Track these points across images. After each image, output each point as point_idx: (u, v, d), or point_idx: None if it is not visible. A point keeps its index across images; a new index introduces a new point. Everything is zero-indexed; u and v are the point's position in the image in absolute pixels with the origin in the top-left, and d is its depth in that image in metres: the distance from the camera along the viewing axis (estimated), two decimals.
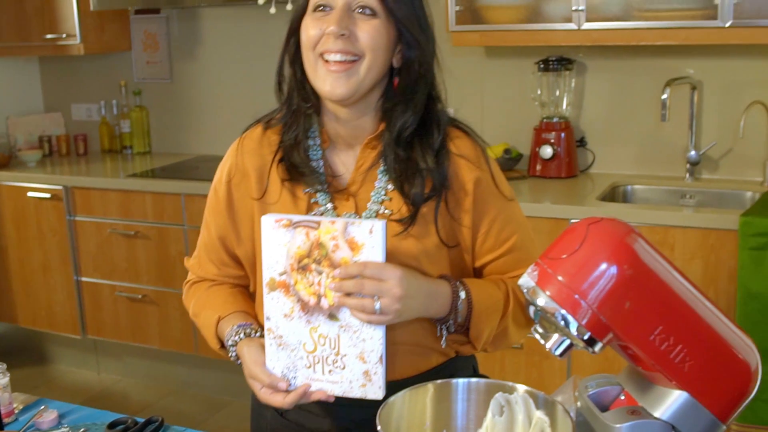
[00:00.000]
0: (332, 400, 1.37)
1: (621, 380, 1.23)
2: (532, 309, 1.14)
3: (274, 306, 1.38)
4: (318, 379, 1.38)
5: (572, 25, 3.11)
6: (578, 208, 2.99)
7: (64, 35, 4.10)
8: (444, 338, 1.46)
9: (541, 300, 1.10)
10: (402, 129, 1.44)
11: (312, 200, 1.49)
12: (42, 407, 1.75)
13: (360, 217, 1.45)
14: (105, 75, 4.52)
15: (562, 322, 1.09)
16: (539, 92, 3.47)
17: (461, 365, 1.58)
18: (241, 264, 1.59)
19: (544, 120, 3.45)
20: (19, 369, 4.31)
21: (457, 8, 3.27)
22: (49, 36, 4.14)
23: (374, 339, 1.34)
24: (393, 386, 1.44)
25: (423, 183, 1.44)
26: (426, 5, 1.48)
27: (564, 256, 1.10)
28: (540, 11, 3.17)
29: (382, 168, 1.47)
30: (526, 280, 1.13)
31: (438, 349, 1.50)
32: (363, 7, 1.39)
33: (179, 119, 4.40)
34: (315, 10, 1.42)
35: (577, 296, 1.07)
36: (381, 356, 1.35)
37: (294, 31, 1.47)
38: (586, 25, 3.08)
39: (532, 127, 3.50)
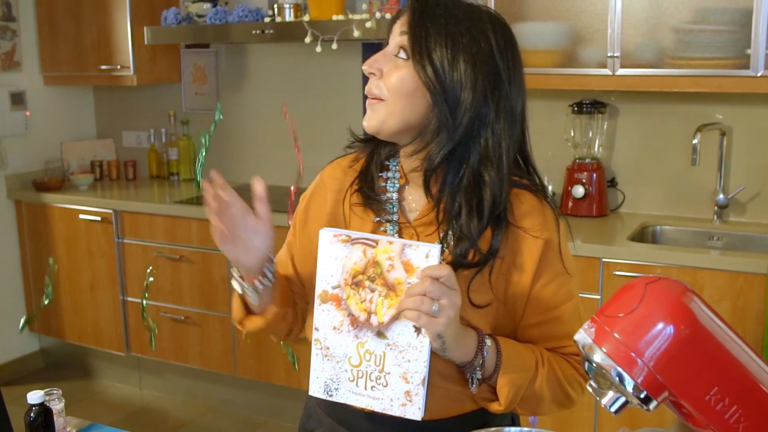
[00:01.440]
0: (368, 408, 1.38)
1: None
2: (587, 365, 1.15)
3: (324, 318, 1.39)
4: (359, 393, 1.39)
5: (607, 71, 3.21)
6: (609, 248, 3.08)
7: (118, 66, 4.29)
8: (474, 385, 1.43)
9: (598, 356, 1.11)
10: (441, 190, 1.44)
11: (381, 228, 1.51)
12: None
13: None
14: (155, 104, 4.70)
15: (618, 379, 1.10)
16: (572, 133, 3.59)
17: (498, 416, 1.55)
18: (304, 284, 1.60)
19: (577, 160, 3.57)
20: (63, 382, 4.46)
21: None
22: (104, 67, 4.32)
23: (419, 361, 1.34)
24: (426, 426, 1.47)
25: (467, 247, 1.42)
26: (490, 65, 1.40)
27: (621, 314, 1.10)
28: (576, 57, 3.29)
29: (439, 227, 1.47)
30: (583, 336, 1.14)
31: (472, 396, 1.49)
32: (402, 49, 1.42)
33: (224, 148, 4.56)
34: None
35: (633, 354, 1.08)
36: (424, 378, 1.35)
37: None
38: (621, 71, 3.19)
39: (565, 166, 3.61)
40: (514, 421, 1.66)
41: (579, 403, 1.56)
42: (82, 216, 4.24)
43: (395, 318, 1.35)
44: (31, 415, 1.65)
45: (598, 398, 1.17)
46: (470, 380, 1.43)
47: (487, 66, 1.40)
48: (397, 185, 1.52)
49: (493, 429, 1.35)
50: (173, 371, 4.32)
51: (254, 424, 4.04)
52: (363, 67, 1.44)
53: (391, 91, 1.41)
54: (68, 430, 1.84)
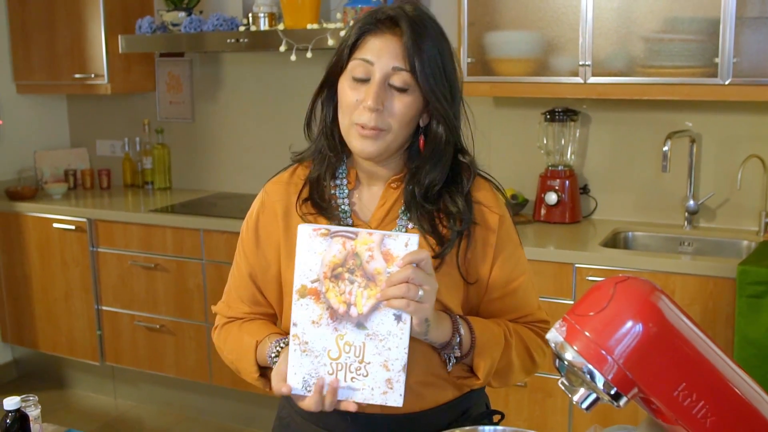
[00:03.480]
0: (353, 408, 1.41)
1: None
2: (558, 362, 1.18)
3: (302, 312, 1.40)
4: (339, 386, 1.41)
5: (578, 79, 3.26)
6: (581, 254, 3.11)
7: (92, 75, 4.27)
8: (451, 364, 1.51)
9: (569, 354, 1.14)
10: (430, 186, 1.53)
11: None
12: None
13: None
14: (129, 113, 4.69)
15: (589, 377, 1.13)
16: (545, 141, 3.63)
17: (475, 400, 1.66)
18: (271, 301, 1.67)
19: (550, 168, 3.61)
20: (38, 392, 4.34)
21: (469, 60, 3.43)
22: (78, 75, 4.31)
23: (399, 348, 1.38)
24: (411, 419, 1.54)
25: (453, 225, 1.53)
26: (455, 64, 1.54)
27: (591, 313, 1.14)
28: (548, 65, 3.33)
29: (403, 208, 1.56)
30: (555, 335, 1.17)
31: (452, 381, 1.57)
32: (400, 81, 1.47)
33: (199, 157, 4.56)
34: (354, 73, 1.49)
35: (603, 352, 1.11)
36: (404, 365, 1.38)
37: (330, 83, 1.55)
38: (592, 80, 3.24)
39: (537, 174, 3.65)
40: (488, 407, 1.72)
41: (542, 366, 1.65)
42: (55, 225, 4.22)
43: (374, 308, 1.38)
44: (8, 421, 1.65)
45: (569, 395, 1.19)
46: (447, 360, 1.51)
47: (453, 61, 1.53)
48: (346, 191, 1.59)
49: (468, 428, 1.37)
50: (148, 380, 4.30)
51: None
52: (368, 104, 1.46)
53: (398, 120, 1.48)
54: None
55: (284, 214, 1.61)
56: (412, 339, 1.40)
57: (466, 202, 1.55)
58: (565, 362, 1.16)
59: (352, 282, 1.37)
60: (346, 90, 1.51)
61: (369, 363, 1.39)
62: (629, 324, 1.11)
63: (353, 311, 1.38)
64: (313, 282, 1.39)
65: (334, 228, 1.38)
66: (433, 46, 1.48)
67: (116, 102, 4.71)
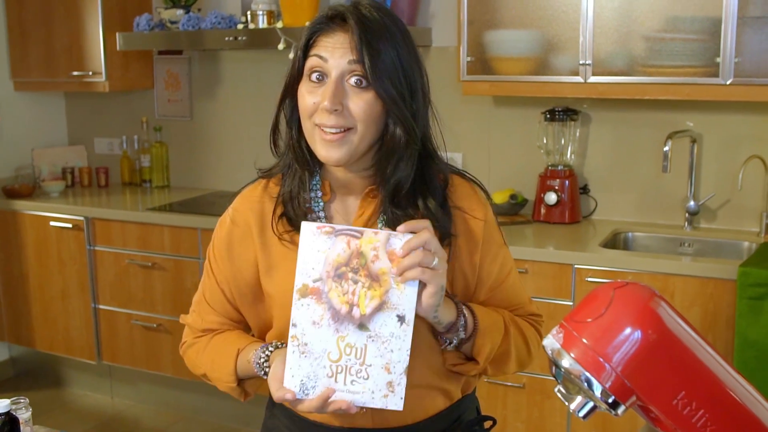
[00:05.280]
0: (353, 410, 1.37)
1: None
2: (555, 370, 1.16)
3: (303, 313, 1.36)
4: (338, 389, 1.37)
5: (579, 79, 3.24)
6: (581, 254, 3.09)
7: (90, 73, 4.26)
8: (452, 345, 1.47)
9: (566, 362, 1.12)
10: (396, 188, 1.48)
11: None
12: None
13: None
14: (127, 111, 4.67)
15: (586, 384, 1.10)
16: (545, 141, 3.61)
17: (467, 405, 1.64)
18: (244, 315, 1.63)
19: (549, 167, 3.59)
20: (34, 391, 4.43)
21: (469, 59, 3.41)
22: (75, 73, 4.30)
23: (402, 350, 1.36)
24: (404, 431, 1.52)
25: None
26: (418, 63, 1.48)
27: (589, 319, 1.11)
28: (548, 64, 3.31)
29: (383, 217, 1.51)
30: (551, 341, 1.15)
31: (443, 389, 1.55)
32: (357, 78, 1.42)
33: (197, 156, 4.54)
34: (310, 76, 1.45)
35: (601, 359, 1.09)
36: (406, 367, 1.36)
37: (289, 94, 1.50)
38: (593, 79, 3.22)
39: (537, 174, 3.63)
40: (479, 412, 1.70)
41: (536, 358, 1.63)
42: (53, 223, 4.20)
43: (377, 309, 1.35)
44: None
45: (566, 403, 1.17)
46: (449, 342, 1.47)
47: (417, 62, 1.48)
48: (321, 203, 1.54)
49: None
50: (145, 379, 4.28)
51: (227, 431, 4.03)
52: (325, 105, 1.41)
53: (361, 119, 1.42)
54: None
55: (260, 231, 1.56)
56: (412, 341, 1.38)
57: (443, 210, 1.50)
58: (562, 369, 1.13)
59: (355, 282, 1.35)
60: (303, 95, 1.46)
61: (370, 365, 1.36)
62: (628, 331, 1.09)
63: (356, 312, 1.35)
64: (315, 281, 1.35)
65: (338, 226, 1.36)
66: (389, 43, 1.42)
67: (114, 100, 4.69)
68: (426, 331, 1.48)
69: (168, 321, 3.99)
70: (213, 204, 4.12)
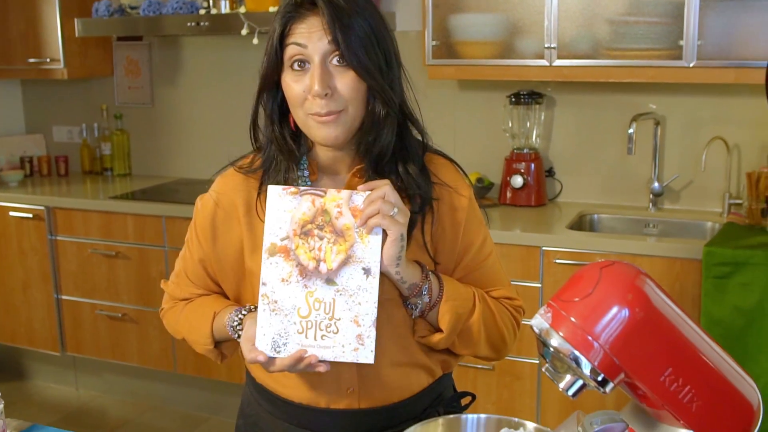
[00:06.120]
0: (323, 369, 1.39)
1: (626, 417, 1.23)
2: (543, 349, 1.17)
3: (272, 271, 1.40)
4: (309, 345, 1.39)
5: (544, 62, 3.26)
6: (548, 236, 3.12)
7: (48, 59, 4.18)
8: (417, 310, 1.48)
9: (555, 341, 1.13)
10: (379, 156, 1.49)
11: None
12: None
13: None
14: (87, 98, 4.60)
15: (575, 363, 1.12)
16: (510, 124, 3.63)
17: (445, 385, 1.66)
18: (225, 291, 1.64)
19: (515, 151, 3.61)
20: None
21: (434, 43, 3.41)
22: (32, 60, 4.22)
23: (369, 302, 1.39)
24: (389, 411, 1.54)
25: (414, 205, 1.50)
26: (388, 32, 1.49)
27: (577, 299, 1.13)
28: (513, 48, 3.32)
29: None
30: (540, 321, 1.16)
31: (426, 365, 1.58)
32: (338, 57, 1.42)
33: (159, 143, 4.49)
34: (292, 65, 1.44)
35: (590, 338, 1.11)
36: (374, 320, 1.39)
37: (268, 87, 1.50)
38: (557, 62, 3.24)
39: (503, 157, 3.65)
40: (455, 390, 1.72)
41: (511, 347, 1.64)
42: (12, 213, 4.13)
43: (344, 263, 1.39)
44: None
45: (555, 382, 1.19)
46: (414, 307, 1.49)
47: (386, 28, 1.48)
48: (309, 183, 1.54)
49: (452, 417, 1.37)
50: (111, 370, 4.24)
51: (195, 420, 4.00)
52: (315, 90, 1.40)
53: (350, 99, 1.43)
54: None
55: (246, 211, 1.56)
56: (385, 316, 1.43)
57: (422, 174, 1.52)
58: (551, 348, 1.15)
59: (321, 238, 1.39)
60: (290, 84, 1.45)
61: (339, 319, 1.39)
62: (615, 309, 1.11)
63: (323, 267, 1.39)
64: (282, 240, 1.40)
65: (303, 188, 1.41)
66: (360, 17, 1.42)
67: (73, 87, 4.61)
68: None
69: (133, 310, 3.95)
70: (176, 191, 4.07)
